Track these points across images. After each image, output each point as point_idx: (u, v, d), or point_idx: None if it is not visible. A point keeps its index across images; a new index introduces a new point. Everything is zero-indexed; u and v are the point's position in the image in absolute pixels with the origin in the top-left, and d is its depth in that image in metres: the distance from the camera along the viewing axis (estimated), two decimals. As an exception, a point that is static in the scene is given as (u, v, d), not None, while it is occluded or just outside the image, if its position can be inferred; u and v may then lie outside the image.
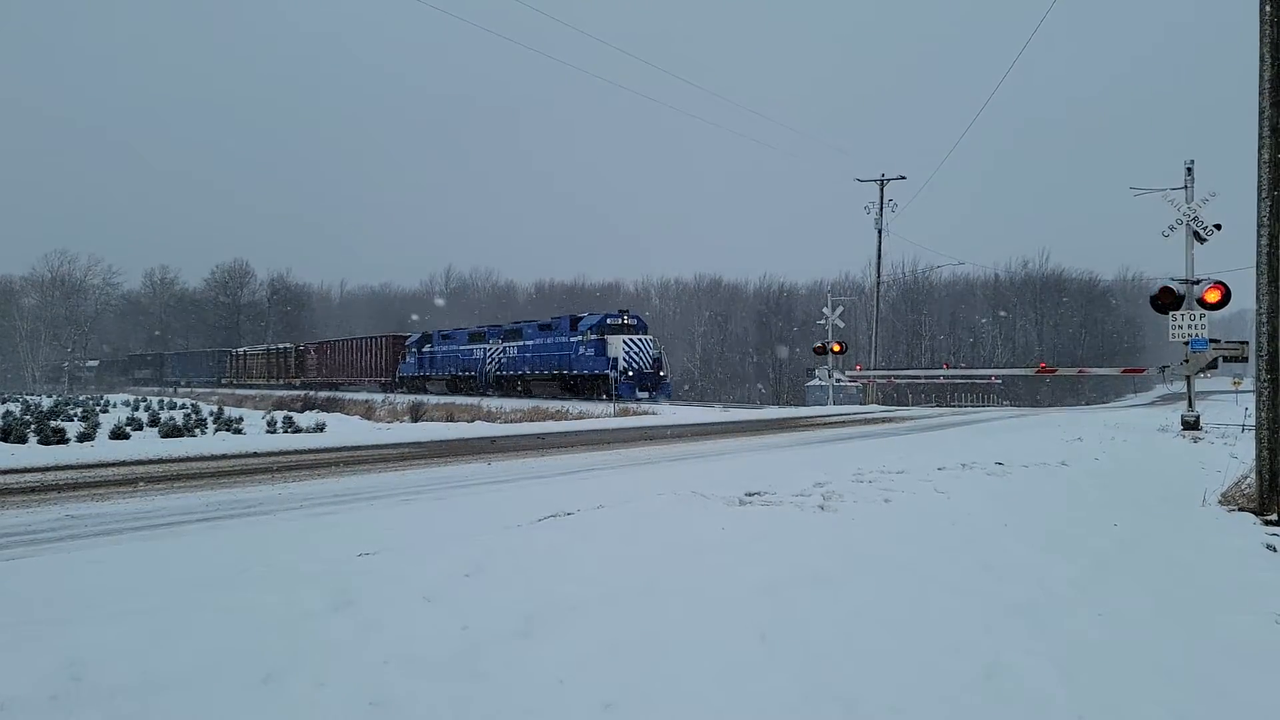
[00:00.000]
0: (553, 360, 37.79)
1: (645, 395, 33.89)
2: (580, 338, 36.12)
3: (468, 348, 44.17)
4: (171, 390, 60.33)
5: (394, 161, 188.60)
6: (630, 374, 34.00)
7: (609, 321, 35.96)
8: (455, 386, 44.71)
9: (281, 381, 59.98)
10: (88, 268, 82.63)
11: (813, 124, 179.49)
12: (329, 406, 29.86)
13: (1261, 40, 7.05)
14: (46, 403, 32.11)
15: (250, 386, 60.63)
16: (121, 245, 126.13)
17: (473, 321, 64.74)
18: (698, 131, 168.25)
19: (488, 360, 42.10)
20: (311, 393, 41.68)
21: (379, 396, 38.08)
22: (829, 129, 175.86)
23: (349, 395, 41.47)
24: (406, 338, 50.98)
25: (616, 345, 34.69)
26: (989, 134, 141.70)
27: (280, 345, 65.40)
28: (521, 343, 40.22)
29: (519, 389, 39.99)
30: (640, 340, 35.38)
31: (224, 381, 67.15)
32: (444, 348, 46.20)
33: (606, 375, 34.34)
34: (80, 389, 68.71)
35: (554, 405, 29.48)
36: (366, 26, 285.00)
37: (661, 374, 35.76)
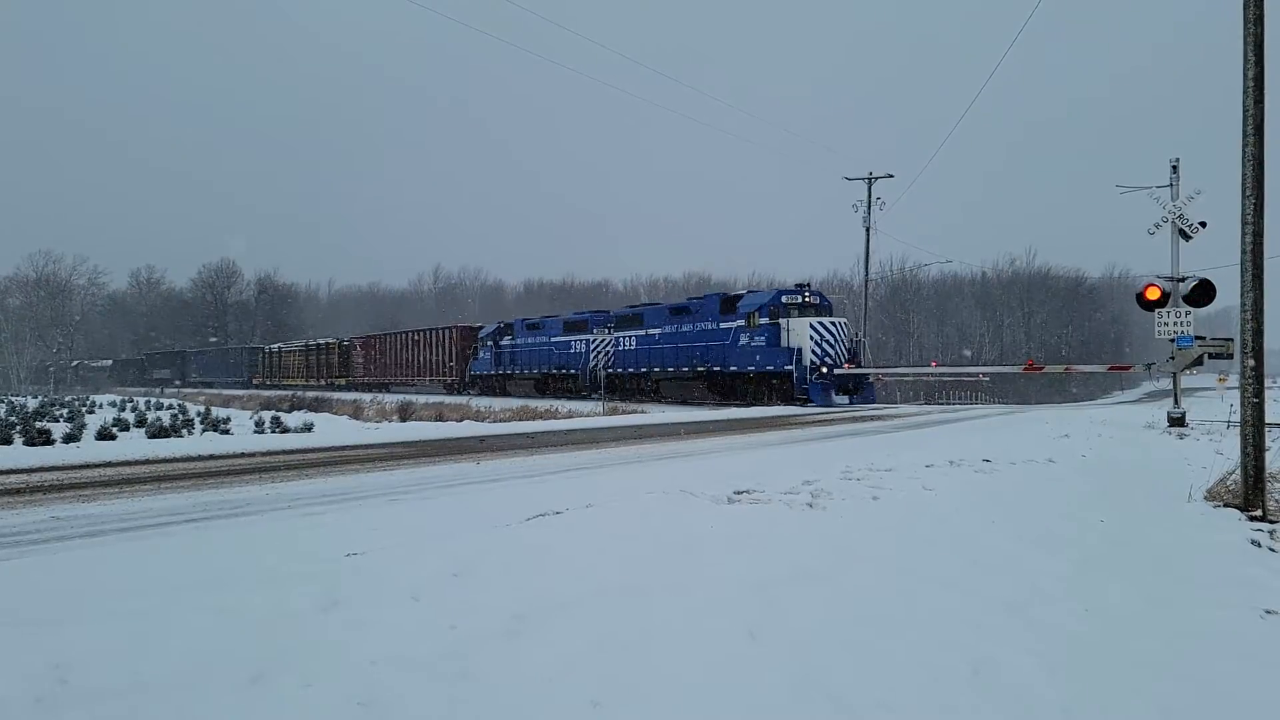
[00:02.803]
0: (695, 354, 30.01)
1: (845, 400, 26.47)
2: (740, 323, 28.04)
3: (564, 340, 36.83)
4: (159, 391, 58.79)
5: (381, 160, 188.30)
6: (824, 370, 26.11)
7: (785, 300, 27.64)
8: (546, 387, 37.76)
9: (324, 382, 54.35)
10: (73, 267, 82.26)
11: (804, 123, 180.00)
12: (317, 406, 29.76)
13: (1245, 40, 7.11)
14: (32, 404, 31.92)
15: (286, 387, 53.56)
16: (107, 245, 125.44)
17: (456, 317, 62.14)
18: (687, 130, 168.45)
19: (593, 354, 34.30)
20: (299, 393, 40.60)
21: (367, 397, 35.99)
22: (820, 129, 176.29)
23: (337, 395, 39.58)
24: (478, 329, 44.44)
25: (801, 332, 26.47)
26: (979, 135, 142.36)
27: (322, 340, 59.07)
28: (643, 332, 32.71)
29: (642, 390, 32.80)
30: (831, 325, 26.97)
31: (255, 382, 61.05)
32: (529, 340, 38.91)
33: (787, 373, 26.35)
34: (66, 390, 68.10)
35: (543, 404, 28.63)
36: (356, 25, 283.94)
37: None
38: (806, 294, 28.09)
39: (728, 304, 29.36)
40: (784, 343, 26.81)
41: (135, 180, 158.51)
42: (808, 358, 26.10)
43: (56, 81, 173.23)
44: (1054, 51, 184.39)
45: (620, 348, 33.76)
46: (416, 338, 47.96)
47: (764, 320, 27.36)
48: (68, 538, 6.13)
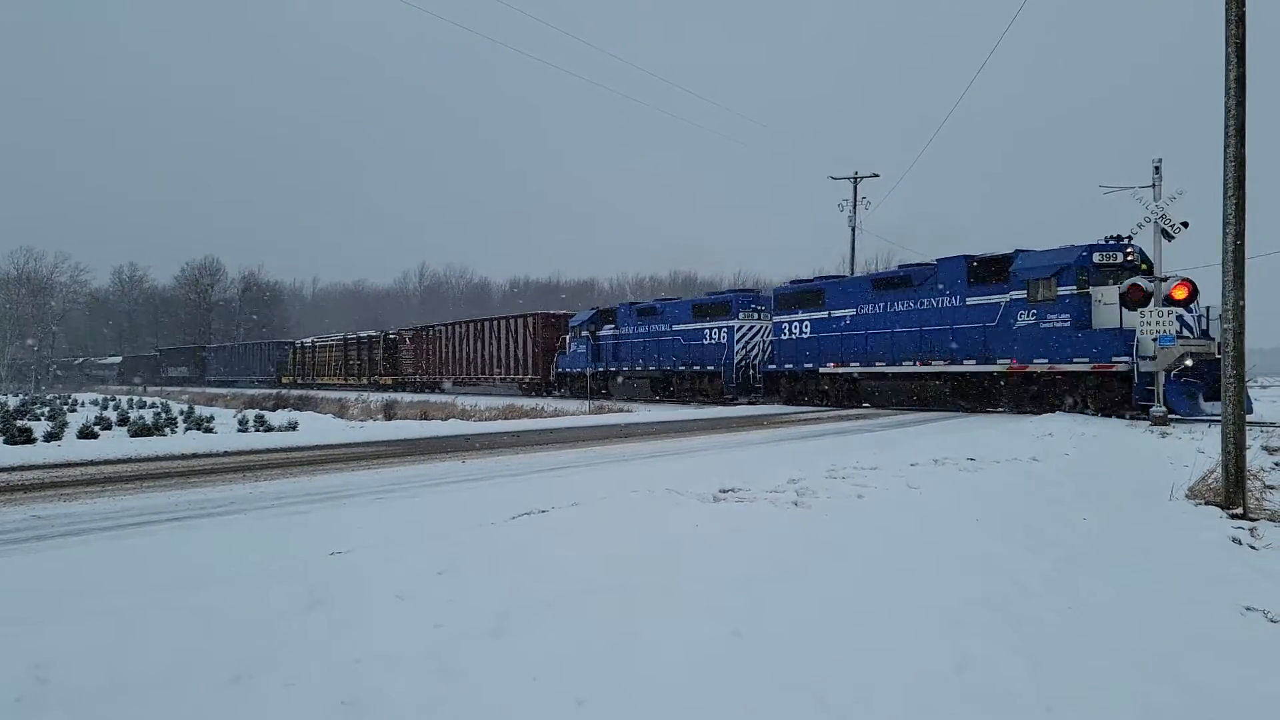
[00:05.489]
0: (926, 342, 21.48)
1: (1213, 407, 15.94)
2: (1018, 295, 19.31)
3: (693, 328, 29.02)
4: (141, 390, 57.89)
5: (366, 158, 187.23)
6: (1185, 367, 16.14)
7: (1097, 260, 18.02)
8: (669, 388, 30.21)
9: (366, 381, 48.13)
10: (54, 265, 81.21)
11: (792, 125, 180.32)
12: (302, 405, 29.57)
13: (1227, 42, 7.18)
14: (13, 402, 31.59)
15: (321, 387, 47.44)
16: (90, 241, 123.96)
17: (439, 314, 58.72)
18: (672, 130, 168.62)
19: (739, 345, 27.32)
20: (284, 391, 39.56)
21: (353, 395, 34.39)
22: (810, 130, 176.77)
23: (324, 394, 37.29)
24: (566, 317, 36.85)
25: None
26: (969, 137, 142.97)
27: (362, 334, 52.52)
28: (824, 314, 24.60)
29: (820, 392, 25.09)
30: None
31: (284, 381, 55.23)
32: (641, 329, 31.50)
33: (1118, 369, 17.29)
34: (49, 388, 67.35)
35: (529, 403, 27.74)
36: (342, 20, 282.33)
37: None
38: (1128, 249, 18.07)
39: (988, 268, 20.42)
40: (1103, 323, 17.81)
41: (117, 175, 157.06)
42: (1150, 348, 16.46)
43: (38, 72, 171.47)
44: (1050, 55, 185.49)
45: (783, 336, 26.05)
46: (480, 329, 40.94)
47: (1065, 290, 18.39)
48: (48, 537, 6.08)
